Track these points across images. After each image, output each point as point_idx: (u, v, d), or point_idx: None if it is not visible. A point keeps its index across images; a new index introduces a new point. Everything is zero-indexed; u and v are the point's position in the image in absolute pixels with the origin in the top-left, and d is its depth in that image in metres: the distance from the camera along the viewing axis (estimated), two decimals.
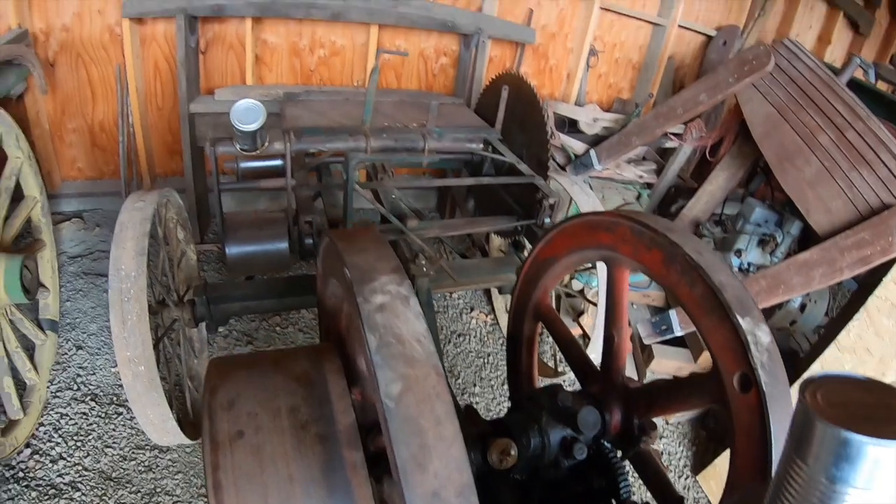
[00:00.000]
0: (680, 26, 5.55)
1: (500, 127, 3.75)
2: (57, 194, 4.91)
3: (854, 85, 4.58)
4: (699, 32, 5.85)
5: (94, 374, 3.60)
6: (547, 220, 3.30)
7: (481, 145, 3.37)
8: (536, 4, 5.13)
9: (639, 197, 5.00)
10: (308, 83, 4.97)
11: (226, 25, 4.63)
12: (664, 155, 5.20)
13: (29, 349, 3.38)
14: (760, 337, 1.47)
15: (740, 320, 1.48)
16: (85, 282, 4.26)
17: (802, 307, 4.20)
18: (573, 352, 2.22)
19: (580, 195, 3.67)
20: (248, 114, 2.53)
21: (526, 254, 3.51)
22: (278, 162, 3.39)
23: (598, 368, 2.05)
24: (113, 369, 3.62)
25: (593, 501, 1.70)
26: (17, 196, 3.35)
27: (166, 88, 4.77)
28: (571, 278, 4.14)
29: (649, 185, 5.11)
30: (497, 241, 4.23)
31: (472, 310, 4.47)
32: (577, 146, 4.71)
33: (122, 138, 4.64)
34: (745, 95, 4.27)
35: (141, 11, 4.25)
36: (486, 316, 4.45)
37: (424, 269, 2.95)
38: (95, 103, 4.75)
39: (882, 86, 5.40)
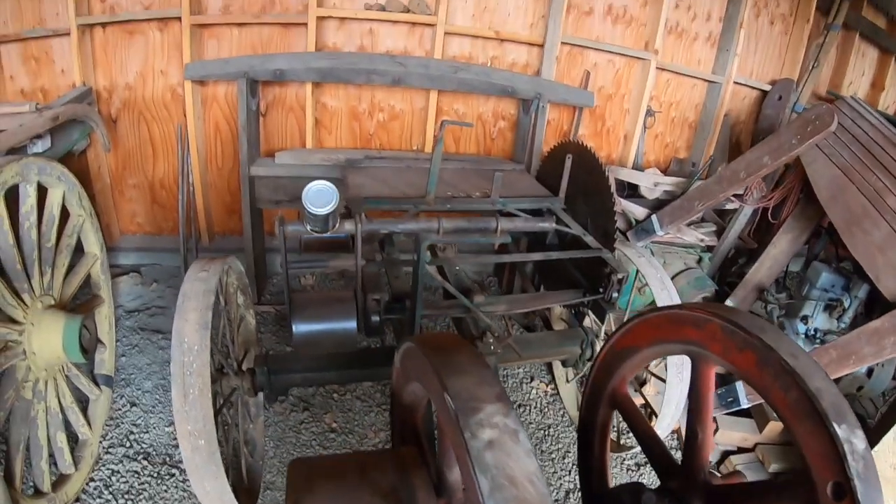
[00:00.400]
0: (735, 83, 5.42)
1: (563, 196, 3.65)
2: (115, 247, 4.96)
3: None
4: (754, 88, 5.69)
5: (147, 432, 3.54)
6: (614, 295, 3.18)
7: (553, 225, 3.28)
8: (593, 66, 5.06)
9: (700, 261, 4.84)
10: (367, 147, 4.95)
11: (286, 88, 4.64)
12: (723, 215, 5.04)
13: (83, 402, 3.34)
14: (856, 444, 1.44)
15: (837, 428, 1.45)
16: (141, 337, 4.24)
17: (870, 372, 4.00)
18: (653, 446, 2.11)
19: (647, 268, 3.54)
20: (320, 196, 2.46)
21: (587, 323, 3.41)
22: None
23: (679, 463, 1.95)
24: (167, 428, 3.55)
25: None
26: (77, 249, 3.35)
27: (226, 149, 4.79)
28: None
29: (710, 248, 4.95)
30: (558, 310, 4.10)
31: (531, 380, 4.33)
32: (637, 211, 4.58)
33: (182, 196, 4.65)
34: (809, 156, 4.08)
35: (203, 74, 4.29)
36: (547, 386, 4.30)
37: (492, 348, 2.85)
38: (156, 160, 4.81)
39: None
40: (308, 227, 2.61)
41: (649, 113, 5.25)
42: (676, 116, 5.57)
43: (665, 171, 5.37)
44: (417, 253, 2.56)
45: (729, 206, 4.84)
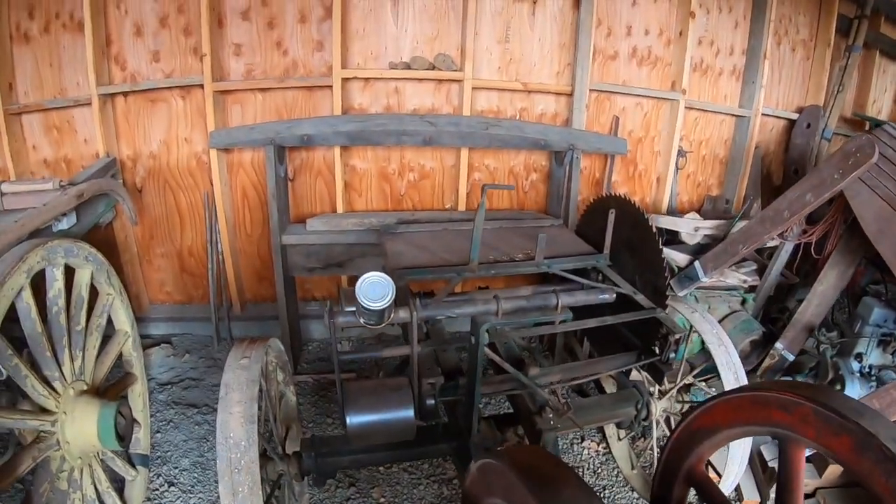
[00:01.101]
0: (762, 114, 5.23)
1: (608, 252, 3.44)
2: (145, 318, 4.78)
3: None
4: (781, 117, 5.51)
5: None
6: (672, 356, 2.96)
7: (613, 296, 3.07)
8: (621, 111, 4.88)
9: (744, 302, 4.59)
10: (399, 208, 4.77)
11: (314, 152, 4.48)
12: (762, 252, 4.81)
13: (118, 482, 3.13)
14: None
15: None
16: (175, 412, 4.02)
17: None
18: None
19: (702, 324, 3.33)
20: (374, 289, 2.24)
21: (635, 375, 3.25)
22: None
23: None
24: None
25: None
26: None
27: (255, 215, 4.61)
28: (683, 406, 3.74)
29: (752, 288, 4.71)
30: None
31: (582, 440, 4.07)
32: (679, 258, 4.36)
33: (211, 264, 4.49)
34: (853, 190, 3.84)
35: (228, 143, 4.15)
36: (598, 445, 4.05)
37: (552, 423, 2.63)
38: (184, 229, 4.65)
39: None
40: (362, 321, 2.39)
41: (681, 153, 5.05)
42: (707, 154, 5.37)
43: (699, 211, 5.15)
44: (476, 336, 2.35)
45: (769, 244, 4.62)
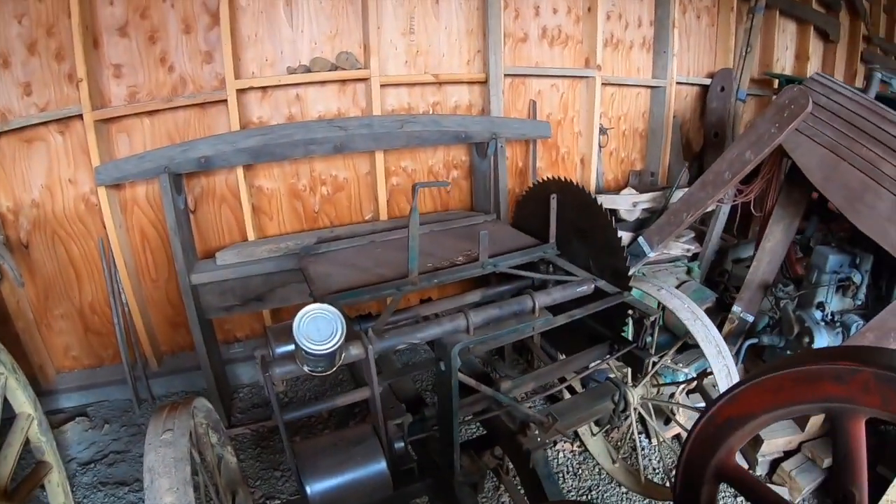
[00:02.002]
0: (676, 83, 4.98)
1: (554, 241, 3.06)
2: (53, 390, 4.02)
3: (883, 100, 4.00)
4: (694, 84, 5.31)
5: None
6: (648, 340, 2.58)
7: (593, 286, 2.62)
8: (537, 95, 4.50)
9: (689, 272, 4.29)
10: (314, 227, 4.19)
11: (214, 177, 3.87)
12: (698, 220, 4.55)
13: None
14: None
15: None
16: (104, 495, 3.29)
17: None
18: None
19: (672, 301, 2.95)
20: (317, 327, 1.67)
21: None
22: None
23: None
24: None
25: None
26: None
27: (157, 257, 3.96)
28: (658, 389, 3.35)
29: (694, 256, 4.41)
30: None
31: (555, 444, 3.61)
32: (622, 237, 4.01)
33: (118, 318, 3.82)
34: (792, 142, 3.65)
35: (117, 177, 3.49)
36: (573, 445, 3.61)
37: (539, 440, 2.17)
38: (81, 283, 3.93)
39: None
40: (306, 369, 1.80)
41: (602, 131, 4.72)
42: (627, 129, 5.07)
43: (625, 187, 4.83)
44: (447, 361, 1.83)
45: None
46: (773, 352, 3.77)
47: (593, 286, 2.59)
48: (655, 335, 2.66)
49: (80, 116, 3.47)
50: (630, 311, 2.61)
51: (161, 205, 3.68)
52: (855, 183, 3.42)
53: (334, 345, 1.64)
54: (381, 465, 1.91)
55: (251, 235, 3.91)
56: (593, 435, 3.52)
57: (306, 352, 1.64)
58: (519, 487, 2.54)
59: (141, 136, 3.70)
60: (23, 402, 2.68)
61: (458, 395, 1.91)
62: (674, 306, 2.93)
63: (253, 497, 3.10)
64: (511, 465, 2.86)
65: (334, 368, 1.78)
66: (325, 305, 1.68)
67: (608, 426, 3.22)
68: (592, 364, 2.71)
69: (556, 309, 2.56)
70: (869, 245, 3.64)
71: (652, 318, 2.50)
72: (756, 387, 1.66)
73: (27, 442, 2.70)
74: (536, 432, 2.21)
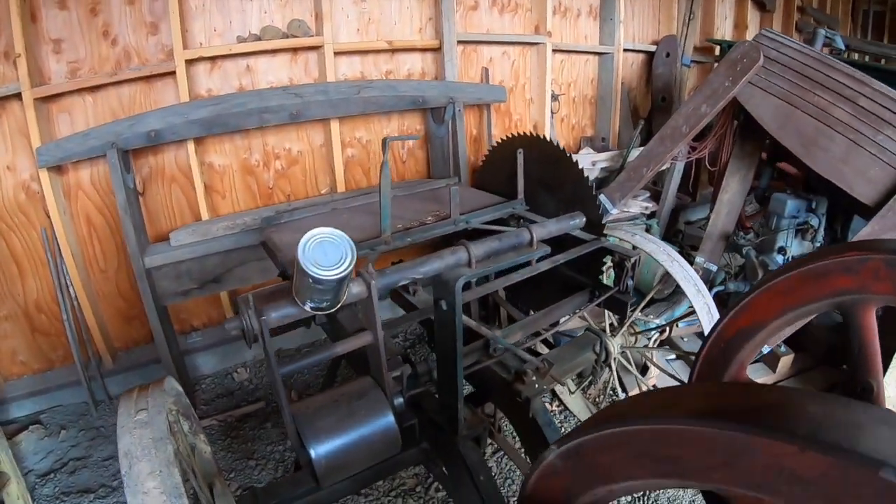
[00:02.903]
0: (623, 49, 4.96)
1: (522, 196, 2.94)
2: (2, 399, 3.62)
3: None
4: (640, 51, 5.29)
5: None
6: (630, 283, 2.47)
7: (584, 220, 2.50)
8: (489, 63, 4.37)
9: (648, 229, 4.25)
10: (270, 203, 3.94)
11: (162, 156, 3.57)
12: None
13: None
14: None
15: None
16: None
17: None
18: None
19: (648, 245, 2.89)
20: (325, 252, 1.45)
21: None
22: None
23: None
24: None
25: None
26: None
27: (106, 246, 3.63)
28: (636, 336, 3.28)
29: (652, 215, 4.39)
30: None
31: (553, 395, 3.50)
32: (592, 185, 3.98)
33: (67, 314, 3.48)
34: (745, 94, 3.75)
35: (61, 157, 3.17)
36: (552, 405, 3.49)
37: (537, 387, 2.03)
38: (25, 280, 3.54)
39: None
40: (308, 306, 1.57)
41: (554, 97, 4.64)
42: (576, 96, 5.01)
43: (577, 153, 4.79)
44: (449, 299, 1.66)
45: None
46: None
47: (584, 219, 2.47)
48: (635, 278, 2.57)
49: (18, 96, 3.13)
50: (609, 256, 2.52)
51: (108, 189, 3.42)
52: (809, 129, 3.54)
53: (345, 269, 1.43)
54: (389, 419, 1.71)
55: (205, 216, 3.64)
56: (572, 393, 3.40)
57: (314, 279, 1.41)
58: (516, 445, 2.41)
59: (83, 116, 3.37)
60: None
61: (462, 335, 1.74)
62: (650, 250, 2.87)
63: (233, 491, 2.87)
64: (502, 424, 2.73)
65: (338, 305, 1.57)
66: (331, 229, 1.48)
67: (588, 381, 3.14)
68: (576, 310, 2.60)
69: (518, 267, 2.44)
70: (823, 190, 3.79)
71: (633, 260, 2.41)
72: (767, 292, 1.62)
73: None
74: (535, 379, 2.07)
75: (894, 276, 1.37)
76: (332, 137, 3.85)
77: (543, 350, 2.88)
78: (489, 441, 2.52)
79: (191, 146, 3.48)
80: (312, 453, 1.59)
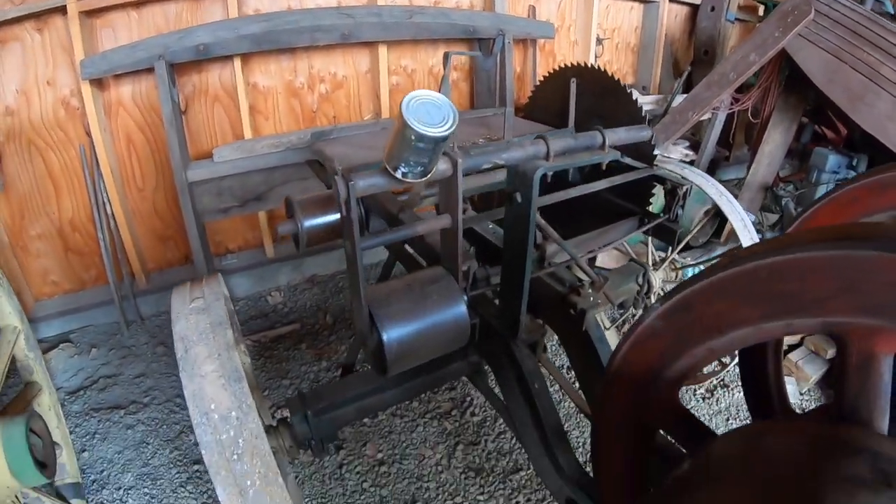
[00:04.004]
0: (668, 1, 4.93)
1: (573, 125, 2.92)
2: (32, 318, 3.61)
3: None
4: (685, 3, 5.22)
5: None
6: (679, 212, 2.48)
7: (651, 133, 2.49)
8: (536, 1, 4.34)
9: None
10: (312, 126, 3.92)
11: (207, 74, 3.57)
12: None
13: None
14: None
15: None
16: (98, 420, 3.04)
17: None
18: None
19: (697, 178, 2.92)
20: (428, 112, 1.41)
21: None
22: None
23: None
24: None
25: None
26: None
27: (145, 164, 3.66)
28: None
29: (691, 163, 4.41)
30: None
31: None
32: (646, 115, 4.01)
33: (102, 234, 3.51)
34: (794, 46, 3.77)
35: (106, 69, 3.16)
36: None
37: (592, 300, 2.05)
38: (60, 198, 3.57)
39: None
40: (400, 172, 1.56)
41: (598, 41, 4.62)
42: (619, 43, 4.99)
43: None
44: (526, 191, 1.67)
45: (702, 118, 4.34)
46: None
47: (652, 132, 2.48)
48: (685, 207, 2.59)
49: (62, 9, 3.11)
50: (660, 185, 2.54)
51: (149, 106, 3.45)
52: (856, 84, 3.61)
53: (448, 128, 1.43)
54: (461, 307, 1.69)
55: (248, 136, 3.66)
56: (607, 329, 3.46)
57: (417, 135, 1.40)
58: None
59: (127, 32, 3.35)
60: (8, 312, 2.36)
61: (534, 231, 1.75)
62: (699, 182, 2.90)
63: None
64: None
65: (427, 177, 1.57)
66: (432, 91, 1.49)
67: (623, 318, 3.17)
68: (625, 235, 2.63)
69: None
70: (864, 149, 3.80)
71: (685, 188, 2.43)
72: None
73: (13, 361, 2.38)
74: (591, 292, 2.09)
75: None
76: (380, 63, 3.85)
77: None
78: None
79: (237, 64, 3.48)
80: (385, 336, 1.60)
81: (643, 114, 2.67)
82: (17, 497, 2.01)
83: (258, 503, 1.44)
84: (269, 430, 2.02)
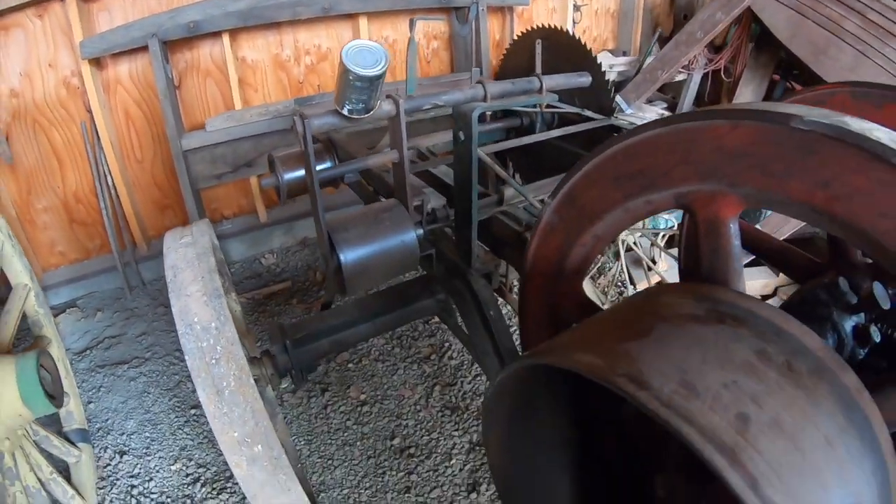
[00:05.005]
0: None
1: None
2: (41, 287, 3.97)
3: None
4: None
5: (150, 479, 2.72)
6: None
7: (590, 79, 2.67)
8: None
9: None
10: (299, 96, 4.20)
11: (198, 50, 3.84)
12: (669, 91, 4.73)
13: (63, 470, 2.49)
14: None
15: None
16: (104, 376, 3.35)
17: None
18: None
19: None
20: (364, 57, 1.72)
21: None
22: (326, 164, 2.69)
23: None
24: (172, 467, 2.77)
25: None
26: None
27: (143, 137, 3.94)
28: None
29: None
30: None
31: None
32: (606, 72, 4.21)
33: (104, 204, 3.81)
34: (759, 4, 3.94)
35: (104, 48, 3.44)
36: None
37: None
38: (64, 172, 3.87)
39: None
40: (346, 109, 1.84)
41: (576, 8, 4.82)
42: (599, 8, 5.18)
43: None
44: (466, 129, 1.91)
45: (678, 78, 4.53)
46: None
47: (590, 78, 2.70)
48: None
49: None
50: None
51: (145, 83, 3.73)
52: (819, 39, 3.75)
53: (380, 69, 1.70)
54: (410, 233, 1.98)
55: (238, 107, 3.94)
56: None
57: (354, 75, 1.69)
58: None
59: (122, 13, 3.62)
60: (19, 271, 2.60)
61: (477, 165, 2.00)
62: None
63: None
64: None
65: (371, 113, 1.85)
66: (368, 41, 1.75)
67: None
68: None
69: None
70: None
71: None
72: None
73: (24, 317, 2.62)
74: None
75: (861, 107, 1.54)
76: (361, 34, 4.10)
77: None
78: (502, 301, 2.77)
79: (226, 40, 3.75)
80: (342, 258, 1.87)
81: (602, 70, 2.86)
82: (28, 432, 2.26)
83: (233, 402, 1.70)
84: (252, 360, 2.29)
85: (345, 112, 1.80)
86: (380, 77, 1.71)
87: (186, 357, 1.71)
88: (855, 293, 1.41)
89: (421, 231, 2.11)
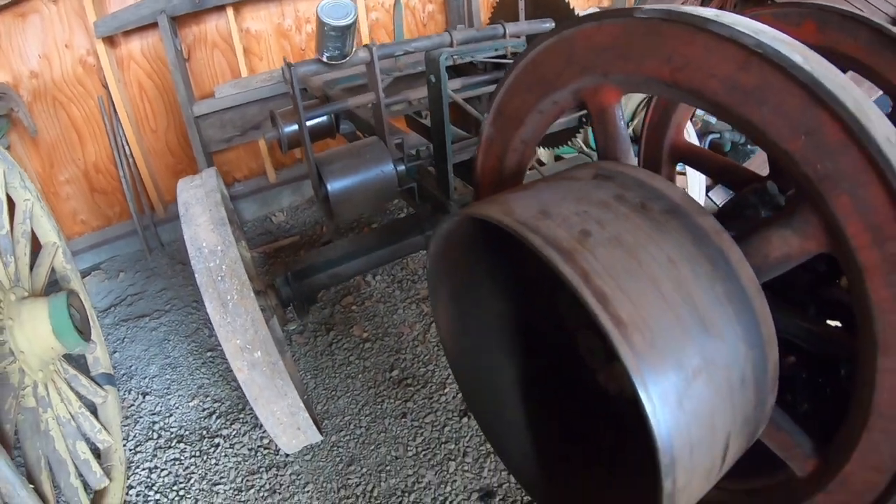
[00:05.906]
0: None
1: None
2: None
3: None
4: None
5: (170, 415, 3.05)
6: None
7: (553, 24, 2.87)
8: None
9: None
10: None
11: (204, 24, 4.16)
12: None
13: (91, 409, 2.77)
14: None
15: None
16: (127, 328, 3.70)
17: None
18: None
19: None
20: (336, 10, 2.04)
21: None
22: (322, 119, 2.97)
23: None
24: (191, 403, 3.09)
25: None
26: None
27: (156, 107, 4.29)
28: None
29: None
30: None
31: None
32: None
33: (123, 172, 4.16)
34: None
35: (116, 27, 3.76)
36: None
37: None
38: (84, 145, 4.24)
39: None
40: (325, 56, 2.17)
41: None
42: None
43: None
44: (436, 73, 2.18)
45: None
46: (735, 147, 4.18)
47: (553, 24, 2.94)
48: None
49: None
50: None
51: (156, 57, 4.05)
52: None
53: (350, 19, 2.02)
54: (389, 167, 2.28)
55: (244, 75, 4.25)
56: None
57: (328, 26, 2.01)
58: None
59: None
60: (48, 230, 2.89)
61: (448, 106, 2.27)
62: None
63: None
64: None
65: (347, 58, 2.16)
66: None
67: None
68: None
69: None
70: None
71: None
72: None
73: (53, 272, 2.88)
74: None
75: (777, 26, 1.72)
76: (358, 1, 4.36)
77: None
78: None
79: (230, 13, 4.06)
80: (329, 187, 2.18)
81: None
82: (59, 369, 2.56)
83: (236, 313, 2.01)
84: (258, 293, 2.59)
85: (324, 59, 2.12)
86: (349, 26, 2.03)
87: (196, 275, 2.02)
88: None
89: (403, 167, 2.40)
